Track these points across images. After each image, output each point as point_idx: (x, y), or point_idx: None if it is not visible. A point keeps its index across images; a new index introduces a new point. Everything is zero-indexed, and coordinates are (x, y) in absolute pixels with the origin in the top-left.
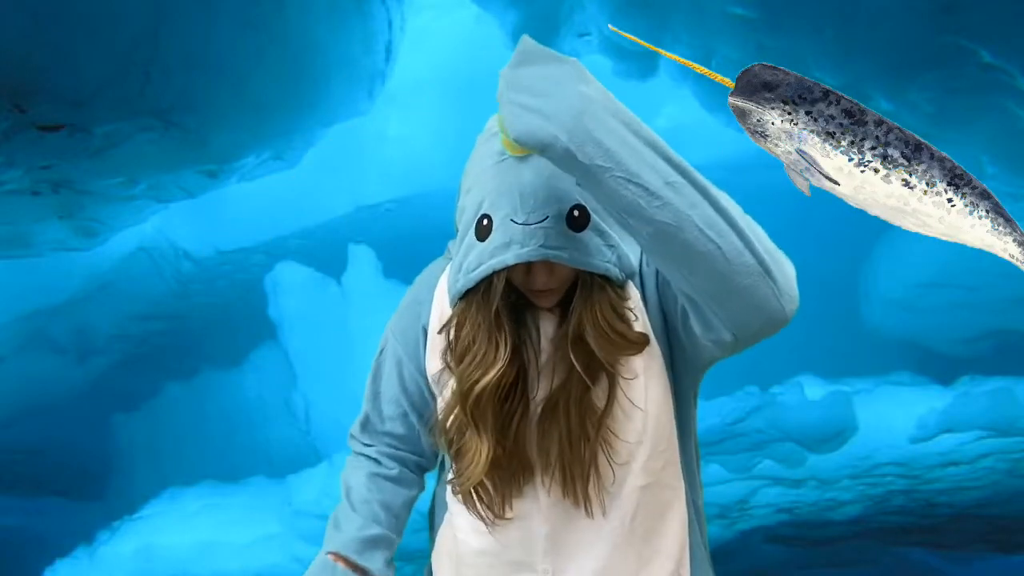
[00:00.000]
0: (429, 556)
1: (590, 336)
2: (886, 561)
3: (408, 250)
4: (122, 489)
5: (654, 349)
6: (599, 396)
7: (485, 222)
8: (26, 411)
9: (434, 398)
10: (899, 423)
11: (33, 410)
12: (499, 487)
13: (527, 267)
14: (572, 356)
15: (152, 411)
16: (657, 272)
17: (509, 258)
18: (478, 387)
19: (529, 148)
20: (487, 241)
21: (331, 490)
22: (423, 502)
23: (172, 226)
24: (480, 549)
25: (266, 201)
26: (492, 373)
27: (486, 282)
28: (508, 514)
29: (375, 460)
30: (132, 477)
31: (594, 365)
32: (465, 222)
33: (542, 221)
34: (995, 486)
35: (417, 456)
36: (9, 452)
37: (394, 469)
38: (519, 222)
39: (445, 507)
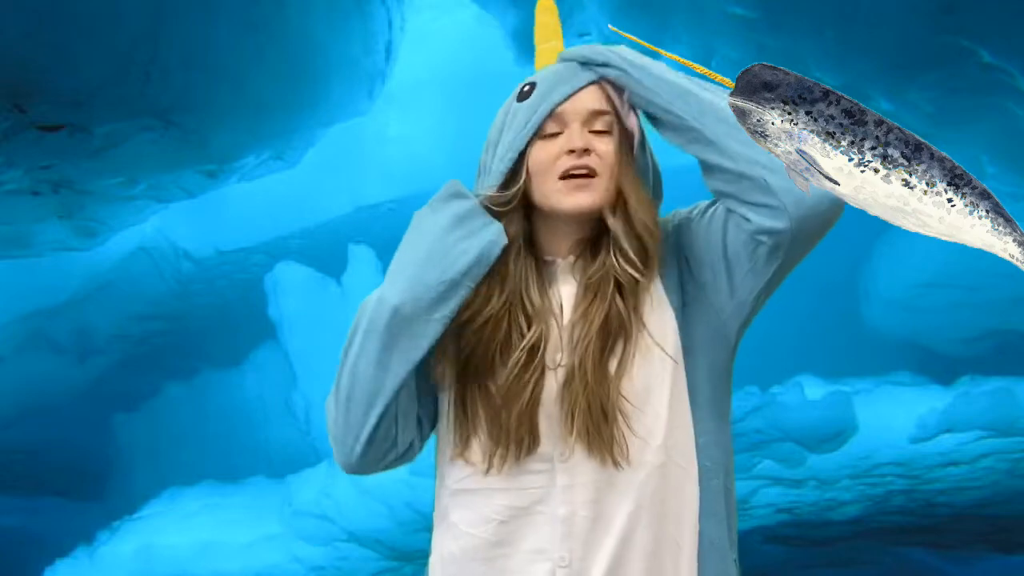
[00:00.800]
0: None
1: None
2: (886, 561)
3: None
4: (122, 489)
5: (668, 327)
6: (614, 362)
7: (527, 88)
8: (26, 411)
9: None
10: (899, 423)
11: (33, 410)
12: (497, 443)
13: (563, 135)
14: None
15: (152, 411)
16: (677, 229)
17: (565, 89)
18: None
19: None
20: (533, 96)
21: (331, 490)
22: (424, 503)
23: (172, 226)
24: (495, 540)
25: (266, 201)
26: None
27: None
28: (502, 471)
29: None
30: (132, 477)
31: (615, 321)
32: (496, 128)
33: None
34: (995, 486)
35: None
36: (9, 452)
37: None
38: (566, 76)
39: (444, 514)
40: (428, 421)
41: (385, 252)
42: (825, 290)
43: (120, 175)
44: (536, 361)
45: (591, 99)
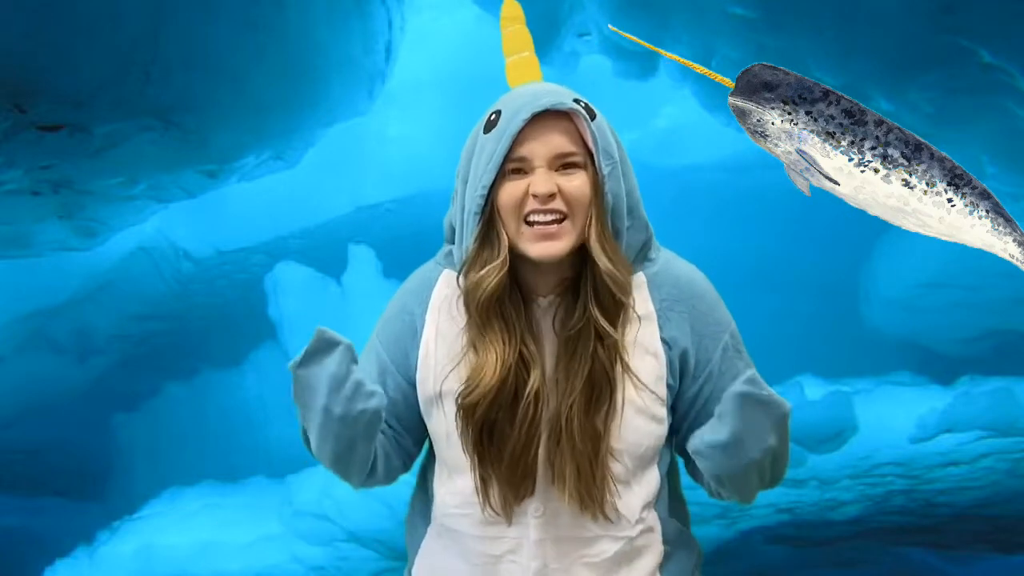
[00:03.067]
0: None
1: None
2: (886, 561)
3: (408, 250)
4: (122, 489)
5: (654, 374)
6: (600, 419)
7: (494, 117)
8: (26, 411)
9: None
10: (899, 423)
11: (33, 410)
12: (500, 487)
13: (527, 183)
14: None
15: (152, 411)
16: (699, 364)
17: (520, 118)
18: (482, 291)
19: None
20: (498, 126)
21: (331, 490)
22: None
23: (172, 226)
24: None
25: (266, 201)
26: (494, 278)
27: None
28: (510, 514)
29: None
30: (132, 477)
31: (599, 375)
32: (466, 157)
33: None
34: (995, 486)
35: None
36: (9, 452)
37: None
38: (527, 100)
39: (422, 532)
40: (417, 443)
41: (385, 252)
42: (825, 290)
43: (120, 175)
44: (540, 408)
45: (558, 140)
